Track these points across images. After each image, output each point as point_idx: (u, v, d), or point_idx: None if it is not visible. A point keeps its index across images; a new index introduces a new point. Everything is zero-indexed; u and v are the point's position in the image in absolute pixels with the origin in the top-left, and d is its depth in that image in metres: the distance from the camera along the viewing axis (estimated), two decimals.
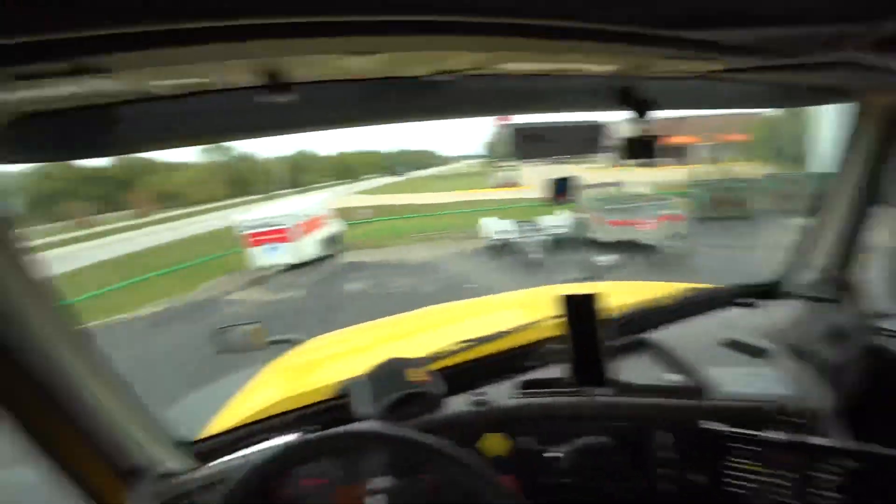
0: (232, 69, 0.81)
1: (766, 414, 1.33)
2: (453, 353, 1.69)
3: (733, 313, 1.94)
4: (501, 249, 14.25)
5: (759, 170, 21.20)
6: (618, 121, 1.24)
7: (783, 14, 0.71)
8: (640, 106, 1.16)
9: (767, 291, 2.04)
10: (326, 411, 1.57)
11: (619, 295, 1.84)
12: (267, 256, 15.50)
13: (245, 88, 0.90)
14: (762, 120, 32.50)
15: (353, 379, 1.55)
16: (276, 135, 1.13)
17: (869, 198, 1.66)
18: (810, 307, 1.70)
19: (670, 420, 1.40)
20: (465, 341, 1.72)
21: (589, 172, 17.76)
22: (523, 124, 1.29)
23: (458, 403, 1.48)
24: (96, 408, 1.14)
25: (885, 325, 1.58)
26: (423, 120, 1.22)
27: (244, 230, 15.61)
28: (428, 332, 2.41)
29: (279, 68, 0.81)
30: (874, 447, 1.17)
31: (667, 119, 1.33)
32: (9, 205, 0.98)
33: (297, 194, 38.50)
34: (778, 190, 16.86)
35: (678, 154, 34.55)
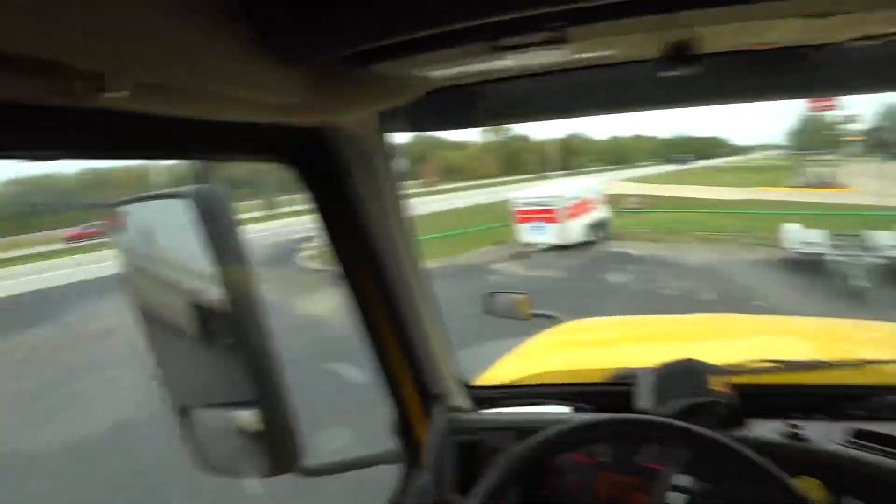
0: (636, 42, 0.79)
1: None
2: (757, 370, 1.52)
3: None
4: (807, 267, 10.98)
5: None
6: None
7: None
8: None
9: None
10: (601, 394, 1.55)
11: None
12: (532, 234, 16.09)
13: (646, 61, 0.85)
14: None
15: (638, 369, 1.50)
16: (671, 108, 1.10)
17: None
18: None
19: None
20: (772, 361, 1.53)
21: None
22: None
23: (766, 429, 1.31)
24: (422, 334, 1.32)
25: None
26: (807, 97, 1.06)
27: (514, 207, 16.45)
28: (718, 340, 2.25)
29: (687, 39, 0.76)
30: None
31: None
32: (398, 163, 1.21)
33: (566, 177, 38.94)
34: None
35: None
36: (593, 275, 12.59)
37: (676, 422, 1.06)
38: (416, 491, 1.36)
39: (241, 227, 0.74)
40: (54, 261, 24.34)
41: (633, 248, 15.16)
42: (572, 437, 1.09)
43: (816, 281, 10.32)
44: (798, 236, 11.95)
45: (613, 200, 19.36)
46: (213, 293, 0.72)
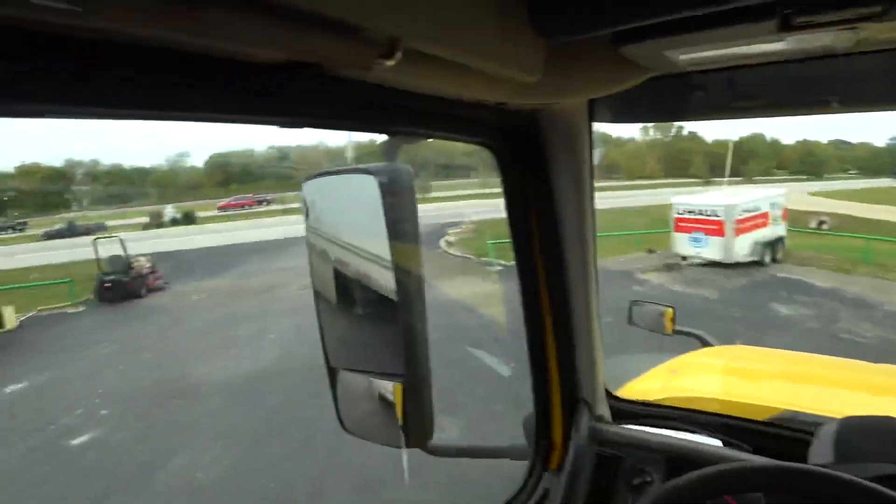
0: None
1: None
2: None
3: None
4: None
5: None
6: None
7: None
8: None
9: None
10: (760, 434, 1.42)
11: None
12: (689, 245, 14.78)
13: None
14: None
15: (813, 416, 1.38)
16: None
17: None
18: None
19: None
20: None
21: None
22: None
23: None
24: (581, 335, 1.31)
25: None
26: None
27: (674, 213, 15.27)
28: None
29: None
30: None
31: None
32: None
33: (739, 184, 34.72)
34: None
35: None
36: (755, 302, 11.19)
37: (888, 491, 0.91)
38: (541, 492, 1.36)
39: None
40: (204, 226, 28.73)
41: (812, 277, 13.15)
42: (749, 480, 0.98)
43: None
44: None
45: (793, 217, 16.93)
46: (384, 267, 0.75)
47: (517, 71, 0.75)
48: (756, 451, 1.32)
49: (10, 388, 8.11)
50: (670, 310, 2.12)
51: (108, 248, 14.62)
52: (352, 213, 0.86)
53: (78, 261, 16.09)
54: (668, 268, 14.50)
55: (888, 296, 11.15)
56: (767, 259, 14.42)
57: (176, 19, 0.40)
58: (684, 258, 14.83)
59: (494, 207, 1.34)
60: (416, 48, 0.57)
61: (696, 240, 14.55)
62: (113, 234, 16.26)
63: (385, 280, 0.76)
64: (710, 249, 14.25)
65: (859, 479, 0.92)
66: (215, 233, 24.40)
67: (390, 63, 0.55)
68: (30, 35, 0.38)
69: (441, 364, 7.50)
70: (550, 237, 1.21)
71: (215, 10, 0.42)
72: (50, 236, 27.58)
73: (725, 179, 36.26)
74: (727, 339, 2.75)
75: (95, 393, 7.83)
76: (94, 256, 14.49)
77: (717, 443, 1.39)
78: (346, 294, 0.89)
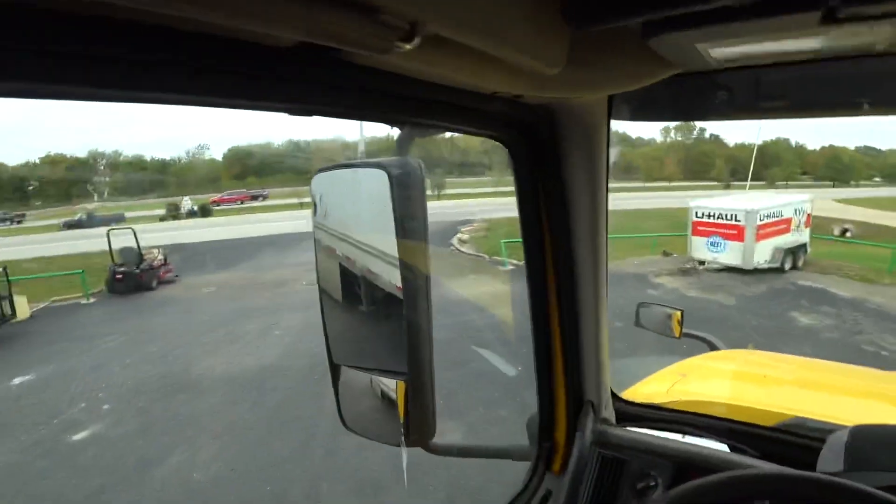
0: None
1: None
2: None
3: None
4: None
5: None
6: None
7: None
8: None
9: None
10: (768, 440, 1.39)
11: None
12: (706, 250, 14.43)
13: None
14: None
15: (824, 423, 1.36)
16: None
17: None
18: None
19: None
20: None
21: None
22: None
23: None
24: (589, 336, 1.29)
25: None
26: None
27: (693, 216, 14.87)
28: None
29: None
30: None
31: None
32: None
33: (761, 189, 33.97)
34: None
35: None
36: (774, 310, 10.86)
37: None
38: (543, 494, 1.34)
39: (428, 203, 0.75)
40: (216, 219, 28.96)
41: (834, 286, 12.69)
42: (756, 487, 0.97)
43: None
44: None
45: (816, 224, 16.44)
46: (390, 264, 0.75)
47: (539, 61, 0.71)
48: (763, 457, 1.29)
49: (17, 381, 8.18)
50: (678, 312, 2.07)
51: (122, 240, 14.77)
52: (361, 207, 0.85)
53: (94, 251, 16.33)
54: (684, 272, 14.18)
55: None
56: (788, 266, 13.99)
57: None
58: (701, 263, 14.49)
59: (507, 206, 1.29)
60: (437, 32, 0.54)
61: (714, 244, 14.21)
62: (126, 227, 16.46)
63: (391, 277, 0.76)
64: (729, 254, 13.91)
65: (870, 489, 0.90)
66: (230, 225, 24.67)
67: (409, 47, 0.52)
68: (34, 13, 0.38)
69: (447, 366, 7.40)
70: (562, 236, 1.19)
71: None
72: (70, 226, 28.13)
73: (748, 184, 35.52)
74: (743, 348, 2.80)
75: (100, 387, 7.86)
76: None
77: (724, 448, 1.38)
78: (351, 290, 0.88)
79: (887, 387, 2.23)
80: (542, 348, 1.30)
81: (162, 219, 30.23)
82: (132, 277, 13.99)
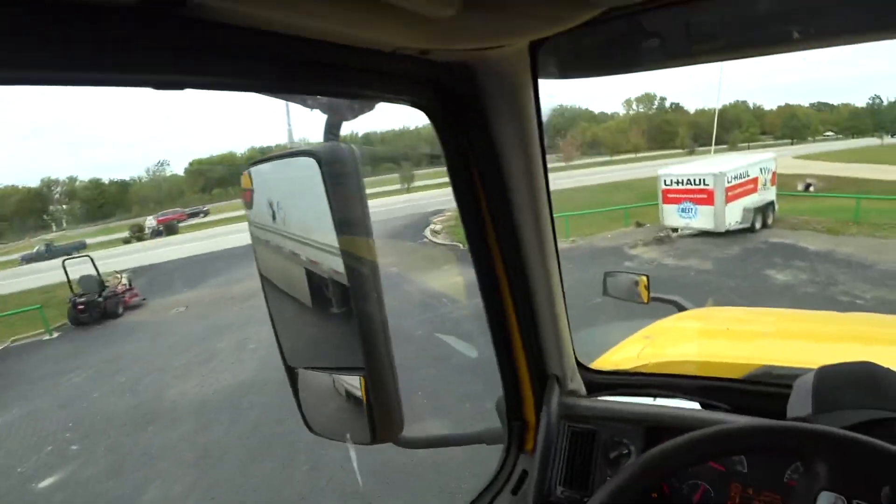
0: None
1: None
2: None
3: None
4: None
5: None
6: None
7: None
8: None
9: None
10: (738, 393, 1.37)
11: None
12: (678, 216, 14.51)
13: None
14: None
15: (792, 369, 1.36)
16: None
17: None
18: None
19: None
20: None
21: None
22: None
23: None
24: (545, 310, 1.25)
25: None
26: None
27: (661, 184, 14.93)
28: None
29: None
30: None
31: None
32: None
33: (724, 152, 34.63)
34: None
35: None
36: (750, 270, 10.97)
37: (880, 443, 0.86)
38: (518, 475, 1.31)
39: (366, 189, 0.71)
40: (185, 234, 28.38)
41: (804, 241, 12.83)
42: (732, 443, 0.94)
43: None
44: None
45: (780, 181, 16.69)
46: (332, 255, 0.72)
47: (425, 2, 0.60)
48: (735, 410, 1.28)
49: None
50: (644, 277, 2.06)
51: (81, 269, 14.13)
52: (295, 198, 0.80)
53: (56, 283, 15.65)
54: (659, 241, 14.25)
55: (882, 255, 10.93)
56: (759, 225, 14.16)
57: None
58: (674, 230, 14.57)
59: None
60: None
61: (685, 210, 14.29)
62: (83, 255, 15.81)
63: (335, 268, 0.73)
64: (701, 219, 13.99)
65: (836, 430, 0.89)
66: (196, 241, 24.02)
67: None
68: None
69: (428, 362, 7.21)
70: (500, 204, 1.12)
71: None
72: (29, 259, 27.05)
73: (712, 148, 36.09)
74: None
75: (66, 427, 7.44)
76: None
77: (696, 405, 1.35)
78: (296, 287, 0.84)
79: (852, 328, 2.26)
80: (498, 325, 1.26)
81: (126, 241, 29.33)
82: (95, 306, 13.40)
